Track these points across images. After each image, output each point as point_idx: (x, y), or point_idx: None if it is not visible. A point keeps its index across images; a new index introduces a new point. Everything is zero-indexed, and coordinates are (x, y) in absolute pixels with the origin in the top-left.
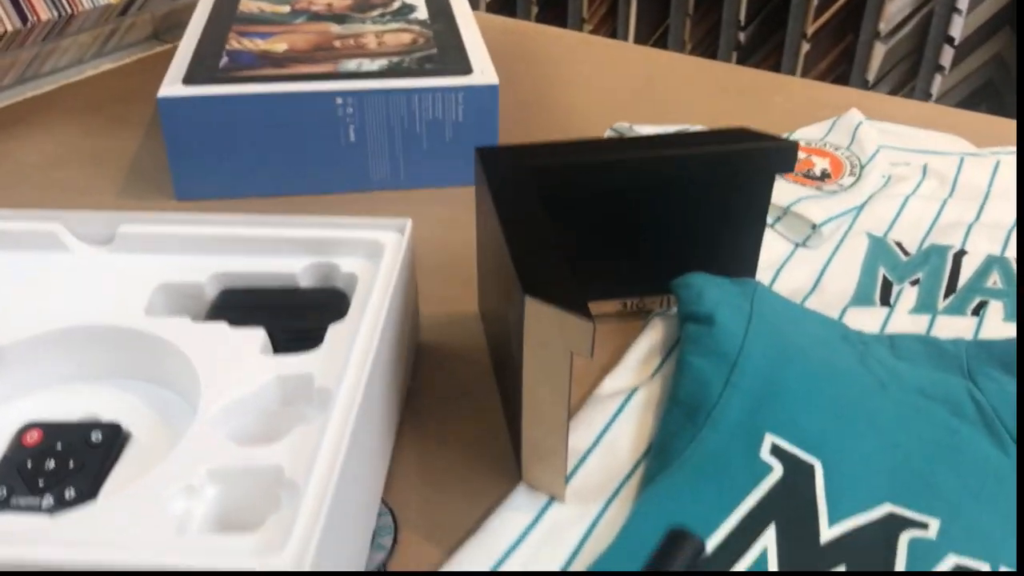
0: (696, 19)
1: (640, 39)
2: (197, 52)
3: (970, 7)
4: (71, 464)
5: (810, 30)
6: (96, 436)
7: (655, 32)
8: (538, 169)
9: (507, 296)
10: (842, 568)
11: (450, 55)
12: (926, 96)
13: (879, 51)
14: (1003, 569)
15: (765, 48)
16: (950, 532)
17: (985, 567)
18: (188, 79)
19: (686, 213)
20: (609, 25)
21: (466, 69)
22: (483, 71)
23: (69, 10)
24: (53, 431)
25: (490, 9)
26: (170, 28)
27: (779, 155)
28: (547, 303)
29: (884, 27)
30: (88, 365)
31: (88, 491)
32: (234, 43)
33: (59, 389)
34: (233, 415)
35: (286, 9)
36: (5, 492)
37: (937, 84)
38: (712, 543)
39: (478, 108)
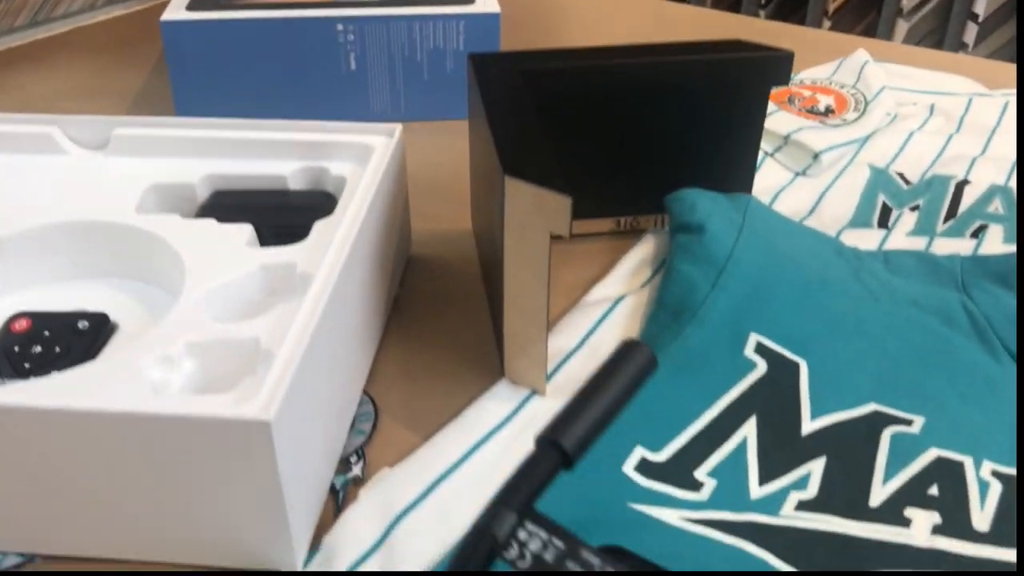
0: None
1: None
2: None
3: None
4: (57, 349)
5: (831, 7)
6: (83, 324)
7: None
8: (530, 73)
9: (492, 188)
10: (822, 459)
11: None
12: None
13: (901, 28)
14: (986, 464)
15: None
16: (934, 427)
17: (967, 460)
18: (192, 5)
19: (681, 124)
20: None
21: None
22: (485, 0)
23: None
24: (41, 320)
25: None
26: None
27: (774, 64)
28: (525, 182)
29: (907, 4)
30: (80, 263)
31: None
32: None
33: (51, 285)
34: (216, 300)
35: None
36: None
37: None
38: (693, 430)
39: (479, 37)
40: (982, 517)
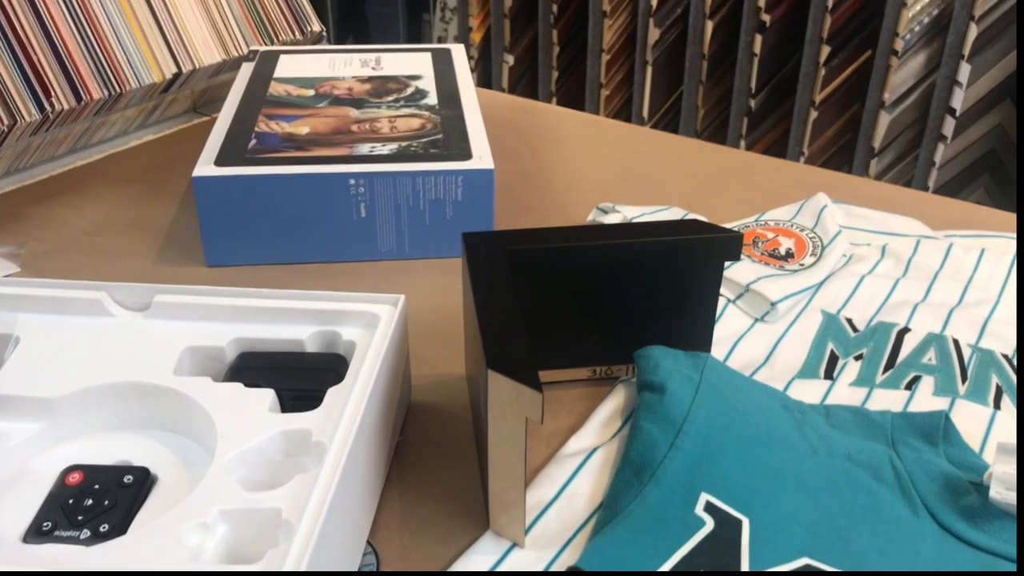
0: (709, 86)
1: (655, 105)
2: (229, 133)
3: (971, 80)
4: (105, 502)
5: (818, 98)
6: (128, 478)
7: (669, 97)
8: (515, 252)
9: (478, 365)
10: None
11: (454, 140)
12: (929, 164)
13: (884, 120)
14: None
15: (776, 114)
16: None
17: None
18: (219, 160)
19: (646, 293)
20: (626, 90)
21: (467, 154)
22: (481, 156)
23: (118, 89)
24: (92, 473)
25: (513, 71)
26: (207, 102)
27: (726, 245)
28: (505, 376)
29: (889, 97)
30: (124, 416)
31: (119, 525)
32: (262, 125)
33: (99, 436)
34: (243, 463)
35: (310, 92)
36: (50, 525)
37: (940, 152)
38: None
39: (475, 189)
40: None
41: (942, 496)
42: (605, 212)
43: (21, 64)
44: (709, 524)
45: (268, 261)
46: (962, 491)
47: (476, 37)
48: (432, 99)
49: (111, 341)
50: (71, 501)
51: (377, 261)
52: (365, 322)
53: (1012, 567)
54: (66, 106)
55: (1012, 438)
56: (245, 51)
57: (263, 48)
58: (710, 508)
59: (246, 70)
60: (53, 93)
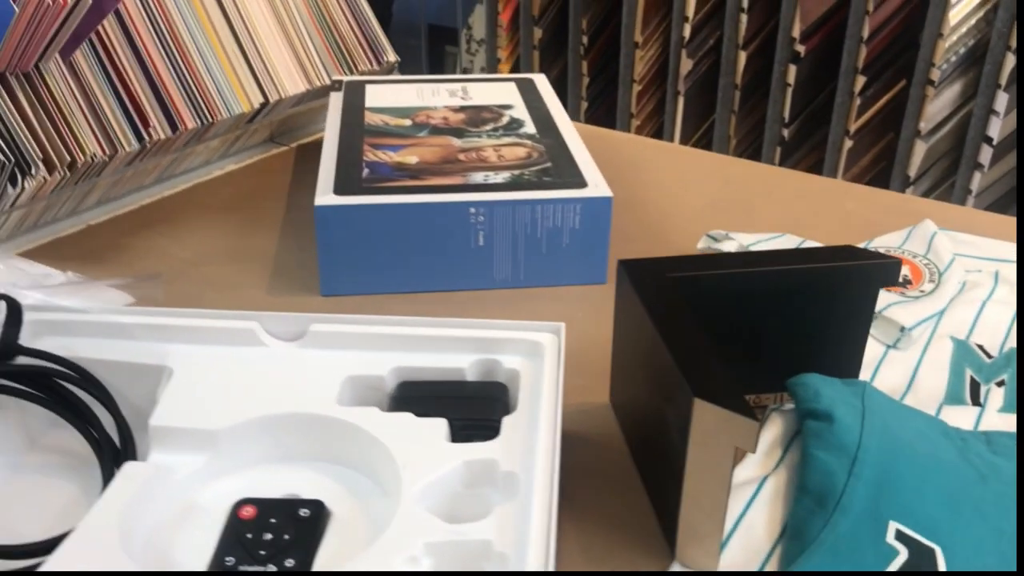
0: (741, 116)
1: (686, 134)
2: (340, 162)
3: (1008, 109)
4: (285, 536)
5: (853, 127)
6: (304, 512)
7: (701, 127)
8: (677, 280)
9: (664, 394)
10: None
11: (563, 168)
12: (965, 192)
13: (920, 149)
14: None
15: (808, 144)
16: None
17: None
18: (338, 189)
19: (798, 320)
20: (656, 120)
21: (581, 182)
22: (596, 184)
23: (210, 119)
24: (265, 506)
25: None
26: (284, 132)
27: (885, 271)
28: (715, 404)
29: (924, 126)
30: (286, 447)
31: (304, 561)
32: (370, 155)
33: (263, 468)
34: (429, 495)
35: (407, 123)
36: (233, 561)
37: (976, 181)
38: None
39: (593, 217)
40: None
41: None
42: (717, 240)
43: (120, 95)
44: (903, 553)
45: (383, 291)
46: None
47: (504, 69)
48: (530, 128)
49: (268, 371)
50: (249, 535)
51: (492, 290)
52: (526, 350)
53: None
54: (163, 136)
55: None
56: (327, 81)
57: (347, 78)
58: (901, 537)
59: (336, 100)
60: (151, 123)
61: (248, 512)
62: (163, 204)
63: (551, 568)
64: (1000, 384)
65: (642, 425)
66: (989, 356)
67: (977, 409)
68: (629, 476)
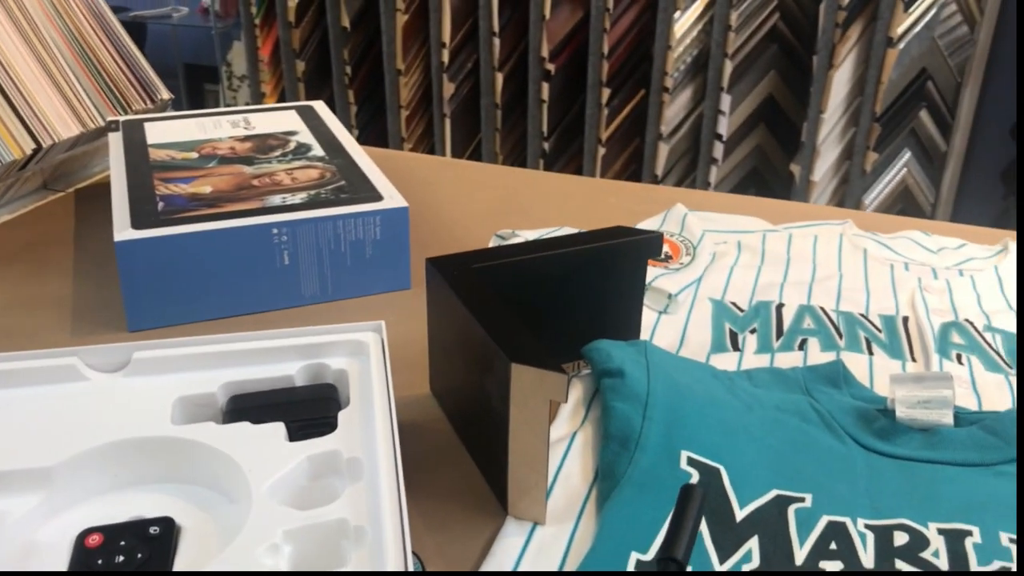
0: (504, 133)
1: (456, 154)
2: (132, 199)
3: (732, 108)
4: (139, 555)
5: (604, 136)
6: (154, 529)
7: (469, 146)
8: (480, 270)
9: (482, 368)
10: (755, 537)
11: (357, 184)
12: (705, 185)
13: (663, 150)
14: (859, 520)
15: (567, 154)
16: (818, 500)
17: (847, 520)
18: (136, 224)
19: (585, 294)
20: (427, 142)
21: (377, 196)
22: (391, 196)
23: None
24: (112, 531)
25: None
26: (58, 177)
27: (648, 244)
28: (529, 366)
29: (665, 129)
30: (125, 474)
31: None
32: (162, 189)
33: (100, 499)
34: (278, 491)
35: (194, 155)
36: None
37: (713, 174)
38: (663, 532)
39: (392, 227)
40: (867, 558)
41: (858, 424)
42: (505, 239)
43: None
44: (695, 475)
45: (193, 319)
46: (872, 418)
47: (270, 102)
48: (319, 151)
49: (95, 404)
50: (100, 562)
51: (302, 307)
52: (351, 350)
53: (925, 468)
54: None
55: (890, 374)
56: (100, 122)
57: (123, 117)
58: (692, 462)
59: (116, 139)
60: None
61: (95, 540)
62: None
63: (407, 537)
64: (752, 331)
65: (465, 403)
66: (741, 310)
67: (737, 354)
68: (457, 453)
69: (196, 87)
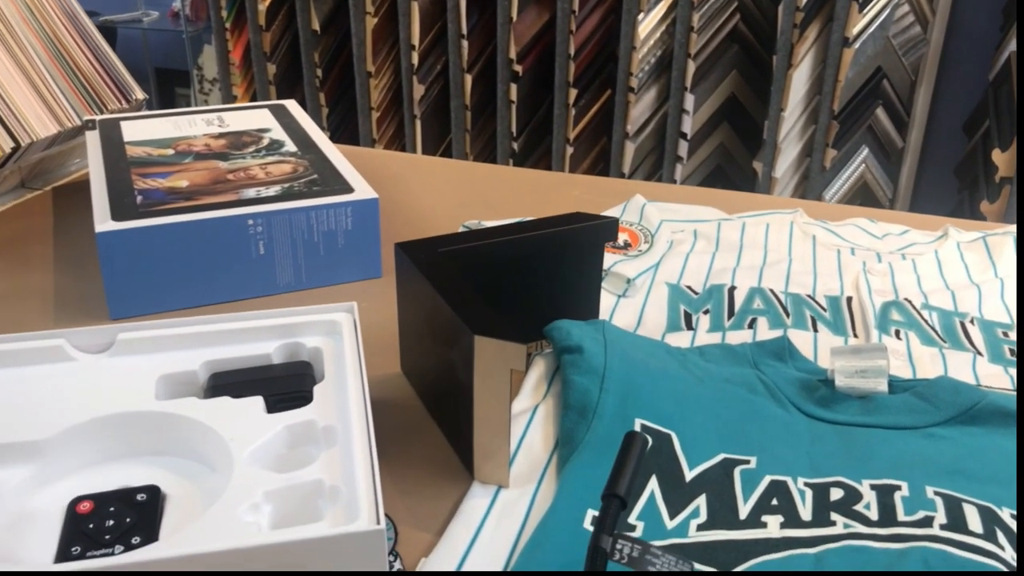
0: (474, 133)
1: (427, 154)
2: (111, 193)
3: (695, 107)
4: (127, 519)
5: (572, 135)
6: (141, 496)
7: (439, 147)
8: (447, 253)
9: (449, 343)
10: (703, 495)
11: (329, 178)
12: (671, 182)
13: (629, 149)
14: (799, 479)
15: (536, 154)
16: (762, 462)
17: (788, 479)
18: (116, 216)
19: (546, 277)
20: (397, 143)
21: (348, 188)
22: (362, 188)
23: None
24: (101, 499)
25: None
26: (36, 176)
27: (605, 229)
28: (491, 338)
29: (631, 128)
30: (112, 448)
31: (149, 537)
32: (140, 183)
33: (91, 470)
34: (258, 458)
35: (170, 152)
36: (79, 549)
37: (679, 172)
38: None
39: (363, 218)
40: (806, 511)
41: (801, 394)
42: (471, 229)
43: None
44: (649, 441)
45: (172, 308)
46: (813, 388)
47: None
48: (291, 147)
49: (82, 382)
50: (91, 526)
51: (277, 295)
52: (325, 330)
53: (862, 432)
54: None
55: (831, 347)
56: (77, 122)
57: (100, 117)
58: (645, 429)
59: (93, 137)
60: None
61: (85, 507)
62: None
63: (379, 494)
64: (706, 312)
65: (433, 378)
66: (696, 293)
67: (691, 332)
68: (427, 426)
69: (167, 91)
